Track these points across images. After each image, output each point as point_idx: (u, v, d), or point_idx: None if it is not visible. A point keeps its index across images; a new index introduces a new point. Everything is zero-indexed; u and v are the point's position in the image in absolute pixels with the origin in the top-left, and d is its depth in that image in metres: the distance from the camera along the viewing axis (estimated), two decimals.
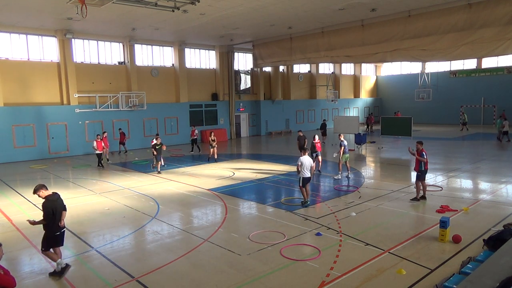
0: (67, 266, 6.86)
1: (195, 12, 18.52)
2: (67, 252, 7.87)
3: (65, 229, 7.08)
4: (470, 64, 38.23)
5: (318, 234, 8.62)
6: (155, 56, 27.95)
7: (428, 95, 36.71)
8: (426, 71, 38.63)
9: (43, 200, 6.77)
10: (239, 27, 22.77)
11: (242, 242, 8.27)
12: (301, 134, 17.63)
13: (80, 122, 23.84)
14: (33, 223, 6.69)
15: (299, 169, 10.79)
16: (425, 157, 10.99)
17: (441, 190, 12.51)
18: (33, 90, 22.37)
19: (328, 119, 34.04)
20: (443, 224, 7.96)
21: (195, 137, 23.61)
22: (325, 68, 40.36)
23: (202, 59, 30.76)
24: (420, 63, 38.05)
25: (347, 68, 43.11)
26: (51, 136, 22.81)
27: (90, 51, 24.83)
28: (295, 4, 17.83)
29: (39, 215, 6.87)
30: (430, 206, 10.62)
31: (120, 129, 24.09)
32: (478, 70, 37.82)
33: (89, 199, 12.60)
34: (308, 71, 38.97)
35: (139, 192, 13.39)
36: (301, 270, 6.85)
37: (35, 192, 6.79)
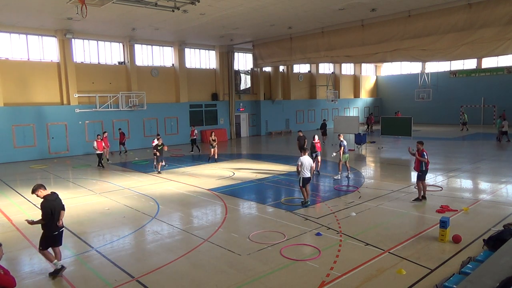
0: (62, 268, 6.86)
1: (195, 12, 18.52)
2: (67, 252, 7.88)
3: (63, 228, 7.09)
4: (470, 64, 38.24)
5: (318, 234, 8.62)
6: (155, 56, 27.95)
7: (428, 95, 36.70)
8: (426, 71, 38.63)
9: (42, 200, 6.78)
10: (239, 27, 22.77)
11: (242, 242, 8.27)
12: (301, 134, 17.63)
13: (80, 122, 23.84)
14: (32, 222, 6.70)
15: (299, 169, 10.79)
16: (426, 157, 10.98)
17: (441, 190, 12.51)
18: (33, 90, 22.37)
19: (328, 119, 34.01)
20: (443, 224, 7.96)
21: (195, 137, 23.63)
22: (325, 68, 40.36)
23: (202, 59, 30.76)
24: (420, 63, 38.05)
25: (347, 68, 43.11)
26: (51, 136, 22.81)
27: (90, 51, 24.83)
28: (295, 4, 17.83)
29: (39, 215, 6.87)
30: (430, 206, 10.62)
31: (119, 129, 24.08)
32: (478, 70, 37.82)
33: (89, 199, 12.60)
34: (308, 71, 38.97)
35: (139, 192, 13.39)
36: (301, 270, 6.85)
37: (33, 192, 6.80)
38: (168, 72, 28.44)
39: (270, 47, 27.30)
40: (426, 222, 9.42)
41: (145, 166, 18.70)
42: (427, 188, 11.68)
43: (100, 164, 18.67)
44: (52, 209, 6.72)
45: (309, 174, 10.92)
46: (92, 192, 13.49)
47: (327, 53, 23.37)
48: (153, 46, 27.67)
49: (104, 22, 20.52)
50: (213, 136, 19.45)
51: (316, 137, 16.16)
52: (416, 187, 11.62)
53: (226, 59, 30.95)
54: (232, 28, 23.03)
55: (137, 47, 26.51)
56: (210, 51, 30.89)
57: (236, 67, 32.03)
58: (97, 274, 6.96)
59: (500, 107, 34.81)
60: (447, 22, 17.98)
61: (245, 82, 33.41)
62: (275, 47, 26.80)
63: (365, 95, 45.13)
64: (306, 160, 10.87)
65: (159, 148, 16.71)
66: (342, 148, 14.63)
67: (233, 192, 13.06)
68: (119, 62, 26.05)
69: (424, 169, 11.01)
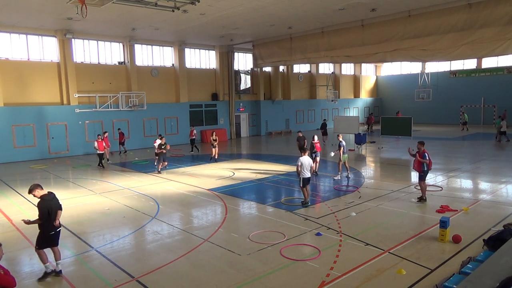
0: (52, 272, 6.83)
1: (195, 12, 18.52)
2: (67, 252, 7.88)
3: (60, 228, 7.07)
4: (470, 64, 38.23)
5: (318, 234, 8.62)
6: (155, 56, 27.95)
7: (428, 95, 36.69)
8: (426, 71, 38.62)
9: (39, 199, 6.79)
10: (239, 27, 22.77)
11: (242, 242, 8.27)
12: (301, 135, 17.64)
13: (80, 122, 23.84)
14: (28, 222, 6.70)
15: (299, 169, 10.78)
16: (427, 157, 10.88)
17: (441, 190, 12.51)
18: (33, 90, 22.37)
19: (328, 119, 34.00)
20: (443, 224, 7.96)
21: (194, 137, 23.64)
22: (325, 68, 40.36)
23: (202, 59, 30.76)
24: (420, 63, 38.04)
25: (347, 68, 43.11)
26: (51, 136, 22.81)
27: (90, 51, 24.83)
28: (295, 4, 17.83)
29: (37, 215, 6.87)
30: (430, 206, 10.62)
31: (119, 129, 24.08)
32: (478, 70, 37.82)
33: (89, 199, 12.60)
34: (308, 71, 38.97)
35: (139, 192, 13.39)
36: (301, 270, 6.85)
37: (30, 192, 6.79)
38: (168, 72, 28.44)
39: (270, 47, 27.31)
40: (426, 222, 9.42)
41: (145, 166, 18.71)
42: (427, 188, 11.67)
43: (100, 164, 18.68)
44: (49, 208, 6.73)
45: (309, 174, 10.92)
46: (92, 192, 13.49)
47: (327, 53, 23.38)
48: (153, 46, 27.67)
49: (104, 22, 20.52)
50: (214, 136, 19.43)
51: (316, 137, 16.14)
52: (418, 187, 11.61)
53: (226, 59, 30.95)
54: (232, 28, 23.03)
55: (137, 47, 26.52)
56: (210, 51, 30.89)
57: (236, 67, 32.03)
58: (97, 274, 6.96)
59: (500, 107, 34.81)
60: (447, 22, 17.98)
61: (245, 82, 33.41)
62: (275, 47, 26.80)
63: (365, 95, 45.12)
64: (305, 160, 10.87)
65: (162, 147, 16.75)
66: (342, 148, 14.62)
67: (233, 192, 13.06)
68: (119, 62, 26.05)
69: (426, 169, 10.97)
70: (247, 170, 16.93)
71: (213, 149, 19.40)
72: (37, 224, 6.79)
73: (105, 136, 20.24)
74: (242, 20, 20.90)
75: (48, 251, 6.98)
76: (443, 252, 7.46)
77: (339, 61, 28.00)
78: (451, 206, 10.42)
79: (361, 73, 43.87)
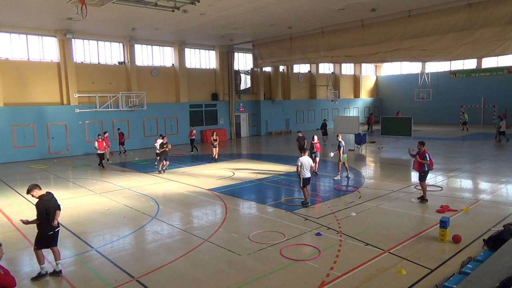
0: (46, 274, 6.82)
1: (195, 12, 18.52)
2: (67, 252, 7.88)
3: (59, 228, 7.07)
4: (470, 64, 38.23)
5: (318, 234, 8.62)
6: (155, 56, 27.95)
7: (428, 95, 36.70)
8: (426, 71, 38.63)
9: (37, 199, 6.79)
10: (239, 27, 22.77)
11: (242, 242, 8.27)
12: (300, 135, 17.64)
13: (80, 122, 23.84)
14: (26, 222, 6.70)
15: (299, 169, 10.78)
16: (428, 158, 10.84)
17: (441, 190, 12.51)
18: (33, 90, 22.37)
19: (328, 119, 34.00)
20: (443, 224, 7.96)
21: (193, 137, 23.64)
22: (325, 68, 40.36)
23: (202, 59, 30.76)
24: (420, 63, 38.05)
25: (347, 68, 43.11)
26: (51, 136, 22.81)
27: (90, 51, 24.83)
28: (295, 4, 17.83)
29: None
30: (430, 206, 10.62)
31: (119, 129, 24.07)
32: (478, 70, 37.82)
33: (89, 199, 12.60)
34: (308, 71, 38.97)
35: (139, 192, 13.39)
36: (301, 270, 6.85)
37: (28, 192, 6.79)
38: (168, 72, 28.44)
39: (270, 47, 27.31)
40: (426, 222, 9.42)
41: (145, 166, 18.71)
42: (427, 188, 11.67)
43: (100, 164, 18.68)
44: (47, 209, 6.72)
45: (309, 174, 10.92)
46: (92, 192, 13.49)
47: (327, 53, 23.38)
48: (153, 46, 27.67)
49: (104, 22, 20.52)
50: (214, 136, 19.43)
51: (316, 137, 16.13)
52: (418, 187, 11.60)
53: (226, 59, 30.95)
54: (232, 28, 23.03)
55: (137, 47, 26.52)
56: (210, 51, 30.89)
57: (236, 67, 32.03)
58: (97, 274, 6.96)
59: (500, 107, 34.81)
60: (447, 22, 17.98)
61: (245, 82, 33.41)
62: (275, 47, 26.80)
63: (365, 95, 45.13)
64: (305, 160, 10.86)
65: (164, 146, 16.78)
66: (341, 148, 14.62)
67: (233, 192, 13.06)
68: (119, 62, 26.05)
69: (426, 169, 10.96)
70: (247, 170, 16.93)
71: (214, 149, 19.40)
72: (35, 224, 6.79)
73: (105, 136, 20.25)
74: (242, 20, 20.90)
75: (47, 252, 6.99)
76: (443, 252, 7.46)
77: (339, 61, 28.00)
78: (451, 206, 10.42)
79: (361, 73, 43.87)
